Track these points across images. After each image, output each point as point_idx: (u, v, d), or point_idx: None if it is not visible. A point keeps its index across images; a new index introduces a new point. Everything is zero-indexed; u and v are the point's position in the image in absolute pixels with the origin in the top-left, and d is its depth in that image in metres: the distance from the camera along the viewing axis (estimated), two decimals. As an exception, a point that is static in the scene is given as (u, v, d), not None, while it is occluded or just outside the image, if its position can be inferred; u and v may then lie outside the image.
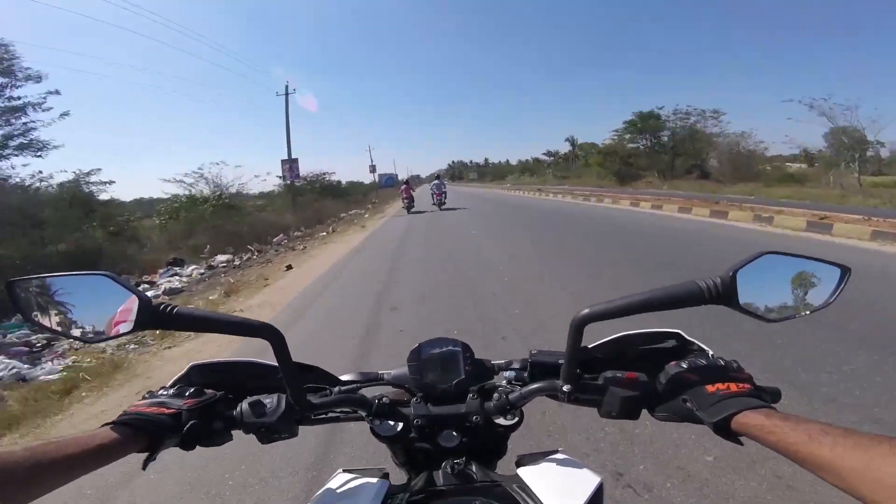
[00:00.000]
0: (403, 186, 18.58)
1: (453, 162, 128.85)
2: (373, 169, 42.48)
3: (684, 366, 0.52)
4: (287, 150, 21.80)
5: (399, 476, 0.64)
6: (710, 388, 0.48)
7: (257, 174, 25.53)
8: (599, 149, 38.78)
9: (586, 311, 0.50)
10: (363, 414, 0.60)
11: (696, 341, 0.58)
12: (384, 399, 0.60)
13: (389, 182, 46.61)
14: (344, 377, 0.67)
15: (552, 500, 0.48)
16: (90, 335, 0.52)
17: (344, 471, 0.59)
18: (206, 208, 17.03)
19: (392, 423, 0.62)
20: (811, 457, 0.38)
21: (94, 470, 0.45)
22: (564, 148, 63.70)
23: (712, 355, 0.54)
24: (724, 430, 0.45)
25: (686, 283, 0.49)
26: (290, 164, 21.78)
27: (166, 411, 0.52)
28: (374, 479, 0.56)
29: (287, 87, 22.30)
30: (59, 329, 0.51)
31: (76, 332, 0.51)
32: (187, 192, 18.22)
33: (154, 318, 0.49)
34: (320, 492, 0.55)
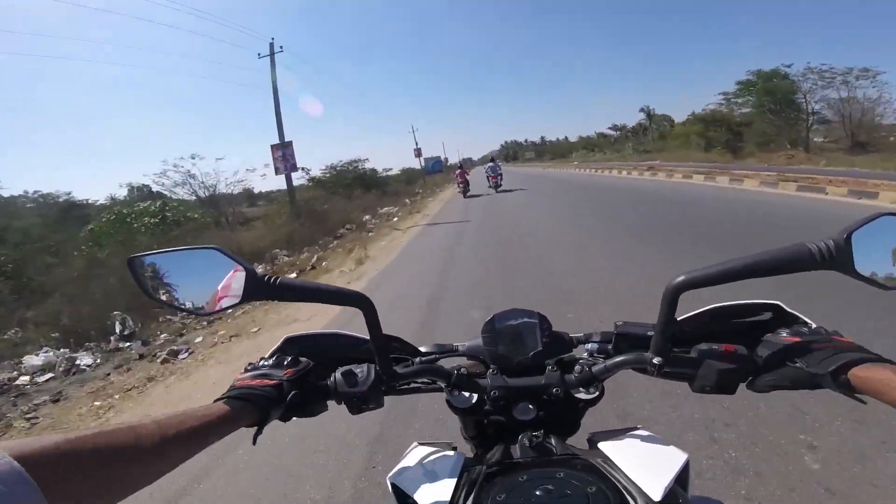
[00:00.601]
0: (458, 171, 18.48)
1: (506, 142, 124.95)
2: (418, 153, 35.02)
3: (785, 334, 0.49)
4: (278, 133, 14.40)
5: (466, 450, 0.64)
6: (817, 346, 0.45)
7: (252, 168, 19.26)
8: (700, 116, 31.68)
9: (682, 277, 0.48)
10: (442, 385, 0.61)
11: (798, 313, 0.54)
12: (462, 370, 0.61)
13: (437, 167, 39.71)
14: (422, 348, 0.68)
15: (639, 475, 0.47)
16: (201, 306, 0.55)
17: (419, 444, 0.60)
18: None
19: (467, 394, 0.62)
20: None
21: (211, 444, 0.47)
22: (632, 121, 59.99)
23: (815, 326, 0.51)
24: (842, 382, 0.42)
25: (794, 246, 0.45)
26: (283, 151, 14.29)
27: (269, 383, 0.54)
28: (451, 452, 0.57)
29: (272, 45, 14.75)
30: (173, 302, 0.55)
31: (188, 304, 0.55)
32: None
33: (261, 289, 0.51)
34: (400, 464, 0.56)
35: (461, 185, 17.39)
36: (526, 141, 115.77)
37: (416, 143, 37.49)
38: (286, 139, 14.41)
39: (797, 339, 0.48)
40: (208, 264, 0.53)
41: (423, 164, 37.53)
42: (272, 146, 14.37)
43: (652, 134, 49.00)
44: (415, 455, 0.57)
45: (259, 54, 14.91)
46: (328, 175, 23.69)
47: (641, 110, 54.83)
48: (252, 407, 0.51)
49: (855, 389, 0.41)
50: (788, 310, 0.55)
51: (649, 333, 0.54)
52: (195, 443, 0.44)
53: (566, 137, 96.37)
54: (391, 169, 35.73)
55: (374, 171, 27.00)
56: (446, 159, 72.29)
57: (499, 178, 17.50)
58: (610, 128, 66.76)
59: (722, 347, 0.51)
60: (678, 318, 0.57)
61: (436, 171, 39.20)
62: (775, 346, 0.49)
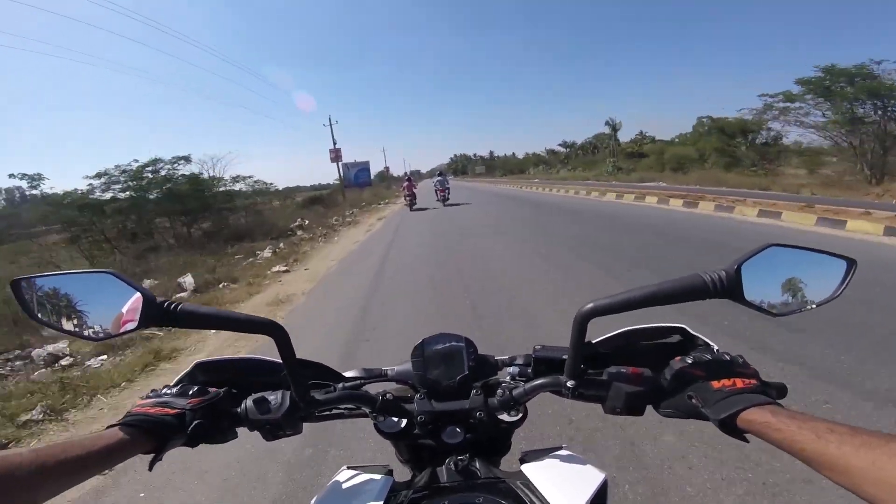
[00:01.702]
0: (406, 183, 18.35)
1: (456, 155, 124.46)
2: (336, 155, 25.06)
3: (689, 361, 0.51)
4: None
5: (403, 473, 0.64)
6: (715, 384, 0.48)
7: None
8: (724, 123, 24.40)
9: (590, 305, 0.50)
10: (367, 410, 0.60)
11: (702, 336, 0.58)
12: (388, 395, 0.60)
13: (363, 178, 30.20)
14: (347, 374, 0.67)
15: (556, 497, 0.48)
16: (97, 333, 0.52)
17: (348, 468, 0.59)
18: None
19: (396, 419, 0.62)
20: (817, 455, 0.37)
21: (101, 472, 0.46)
22: (581, 137, 59.69)
23: (717, 350, 0.54)
24: (730, 427, 0.45)
25: (691, 276, 0.48)
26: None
27: (170, 412, 0.52)
28: (378, 476, 0.56)
29: (330, 119, 25.65)
30: (64, 327, 0.51)
31: (83, 331, 0.51)
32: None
33: (159, 315, 0.49)
34: (326, 488, 0.55)
35: (408, 198, 17.24)
36: (475, 155, 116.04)
37: (334, 142, 25.32)
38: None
39: (697, 372, 0.50)
40: (106, 288, 0.50)
41: (342, 171, 27.19)
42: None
43: (615, 150, 44.66)
44: (342, 478, 0.56)
45: (322, 125, 14.36)
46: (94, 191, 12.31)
47: (607, 123, 49.09)
48: (147, 434, 0.50)
49: (740, 430, 0.45)
50: (693, 333, 0.58)
51: (564, 357, 0.56)
52: (78, 473, 0.43)
53: (514, 153, 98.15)
54: (274, 184, 20.60)
55: (201, 178, 14.61)
56: (387, 168, 62.85)
57: (446, 191, 17.75)
58: (560, 144, 66.27)
59: (630, 370, 0.53)
60: (595, 340, 0.59)
61: (361, 182, 29.33)
62: (677, 373, 0.51)
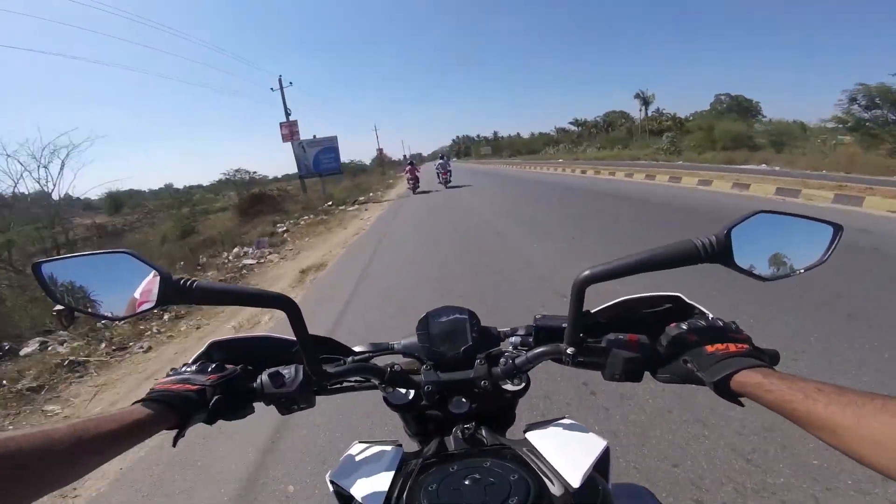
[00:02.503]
0: (408, 167, 18.37)
1: (458, 137, 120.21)
2: (289, 131, 18.57)
3: (684, 327, 0.53)
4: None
5: (411, 448, 0.65)
6: (709, 348, 0.49)
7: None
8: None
9: (587, 272, 0.51)
10: (376, 382, 0.62)
11: (696, 304, 0.59)
12: (396, 367, 0.62)
13: (327, 163, 19.90)
14: (356, 348, 0.69)
15: (560, 462, 0.50)
16: (114, 312, 0.53)
17: (360, 442, 0.60)
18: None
19: (404, 391, 0.64)
20: (807, 415, 0.38)
21: (130, 447, 0.46)
22: (588, 116, 55.67)
23: (712, 317, 0.55)
24: (724, 389, 0.46)
25: (682, 242, 0.49)
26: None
27: (192, 388, 0.54)
28: (389, 447, 0.58)
29: (281, 80, 18.85)
30: (84, 307, 0.53)
31: (101, 310, 0.53)
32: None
33: (175, 293, 0.50)
34: (340, 461, 0.57)
35: (411, 182, 17.38)
36: (478, 136, 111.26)
37: (287, 112, 18.26)
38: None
39: (692, 337, 0.51)
40: (122, 269, 0.52)
41: (296, 153, 18.67)
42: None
43: (638, 130, 41.17)
44: (354, 453, 0.58)
45: (271, 88, 14.93)
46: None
47: (637, 96, 43.70)
48: (171, 411, 0.51)
49: (734, 393, 0.46)
50: (688, 301, 0.60)
51: (564, 325, 0.57)
52: (111, 447, 0.44)
53: (518, 133, 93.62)
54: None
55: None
56: (381, 151, 53.06)
57: (448, 174, 17.96)
58: (571, 122, 62.94)
59: (627, 337, 0.54)
60: (593, 310, 0.61)
61: (325, 169, 19.19)
62: (674, 339, 0.53)
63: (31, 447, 0.38)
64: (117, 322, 4.18)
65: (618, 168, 16.58)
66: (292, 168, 20.12)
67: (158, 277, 0.50)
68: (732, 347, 0.49)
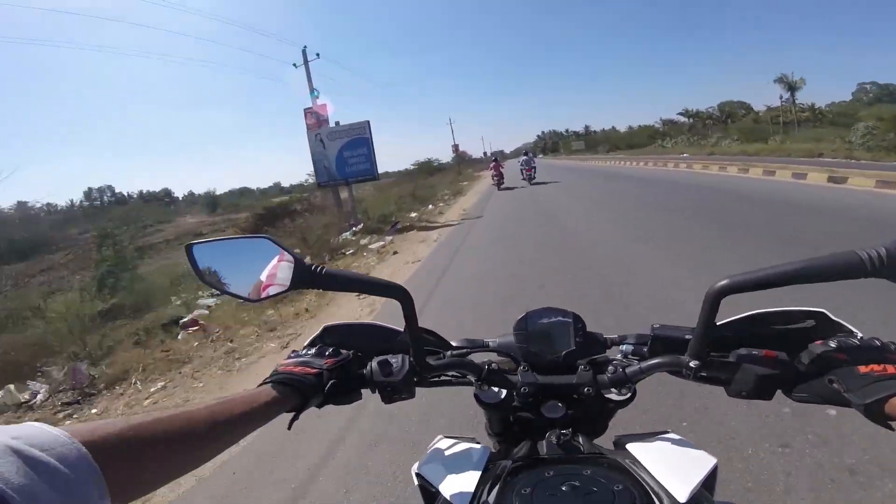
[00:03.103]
0: (493, 164, 19.13)
1: (543, 132, 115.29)
2: (316, 122, 12.01)
3: (833, 345, 0.47)
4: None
5: (490, 446, 0.64)
6: (862, 368, 0.44)
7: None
8: None
9: (724, 281, 0.47)
10: (472, 378, 0.62)
11: (845, 322, 0.53)
12: (493, 365, 0.61)
13: (357, 163, 11.90)
14: (453, 342, 0.69)
15: (666, 476, 0.47)
16: (250, 292, 0.58)
17: (445, 437, 0.61)
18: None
19: (497, 390, 0.63)
20: None
21: (258, 427, 0.48)
22: (701, 106, 51.51)
23: (864, 337, 0.49)
24: (876, 413, 0.42)
25: (845, 254, 0.44)
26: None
27: (310, 371, 0.56)
28: (477, 445, 0.57)
29: (305, 52, 12.83)
30: (223, 287, 0.58)
31: (236, 290, 0.58)
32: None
33: (309, 277, 0.54)
34: (427, 454, 0.58)
35: (496, 178, 17.93)
36: (567, 131, 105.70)
37: (312, 92, 13.00)
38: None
39: (841, 356, 0.46)
40: (258, 253, 0.56)
41: (315, 149, 12.26)
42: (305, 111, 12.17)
43: (787, 119, 34.60)
44: (440, 447, 0.59)
45: (294, 64, 12.65)
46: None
47: (779, 80, 36.16)
48: (294, 392, 0.53)
49: (887, 417, 0.42)
50: (834, 318, 0.53)
51: (686, 337, 0.54)
52: (242, 427, 0.46)
53: (613, 127, 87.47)
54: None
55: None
56: (456, 146, 47.12)
57: (532, 170, 18.16)
58: (681, 113, 57.37)
59: (762, 353, 0.50)
60: (717, 323, 0.55)
61: (352, 173, 12.19)
62: (819, 357, 0.48)
63: (175, 429, 0.40)
64: (251, 303, 4.81)
65: (797, 166, 10.75)
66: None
67: (291, 262, 0.54)
68: (891, 369, 0.43)
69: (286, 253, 0.55)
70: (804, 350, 0.50)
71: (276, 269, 0.55)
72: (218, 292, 0.62)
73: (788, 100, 38.11)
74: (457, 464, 0.54)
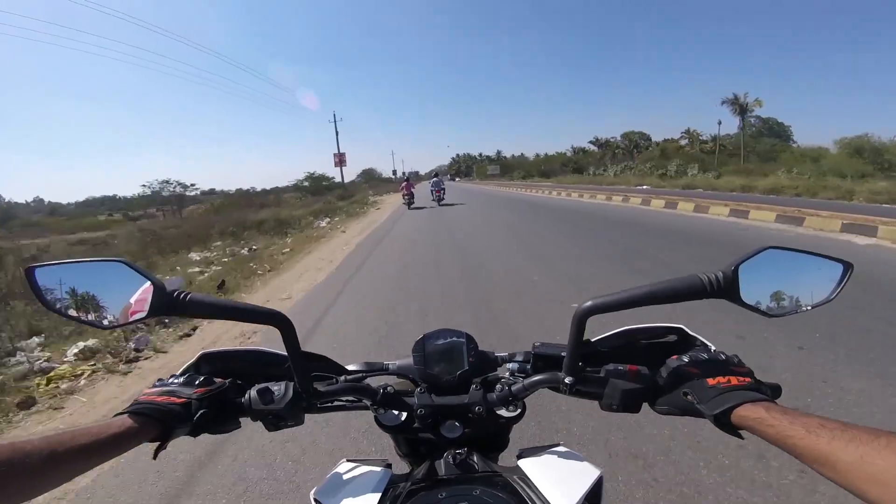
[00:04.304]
0: (404, 183, 19.90)
1: (458, 155, 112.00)
2: (339, 161, 25.48)
3: (686, 359, 0.52)
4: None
5: (402, 468, 0.64)
6: (710, 381, 0.49)
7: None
8: None
9: (589, 303, 0.51)
10: (368, 403, 0.61)
11: (699, 336, 0.59)
12: (389, 388, 0.61)
13: None
14: (350, 367, 0.68)
15: (552, 492, 0.49)
16: (106, 321, 0.52)
17: (347, 460, 0.59)
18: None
19: (396, 412, 0.63)
20: (808, 450, 0.38)
21: (109, 459, 0.46)
22: (596, 137, 51.65)
23: (714, 350, 0.55)
24: (725, 423, 0.46)
25: (688, 277, 0.49)
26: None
27: (177, 400, 0.53)
28: (378, 468, 0.57)
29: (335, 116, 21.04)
30: (73, 315, 0.52)
31: (91, 319, 0.52)
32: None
33: (168, 305, 0.50)
34: (326, 479, 0.56)
35: (406, 197, 18.78)
36: (480, 155, 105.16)
37: (338, 143, 21.57)
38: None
39: (692, 370, 0.51)
40: (116, 277, 0.51)
41: None
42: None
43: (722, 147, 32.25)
44: (341, 471, 0.57)
45: (328, 120, 9.89)
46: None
47: (727, 102, 32.18)
48: (154, 422, 0.50)
49: (734, 426, 0.45)
50: (691, 333, 0.60)
51: (562, 354, 0.57)
52: (88, 459, 0.44)
53: (522, 154, 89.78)
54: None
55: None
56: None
57: (441, 192, 19.36)
58: (591, 142, 58.78)
59: (627, 368, 0.54)
60: (593, 339, 0.60)
61: None
62: (674, 371, 0.52)
63: (1, 460, 0.37)
64: (105, 330, 4.13)
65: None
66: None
67: (152, 288, 0.50)
68: (734, 380, 0.48)
69: (143, 277, 0.50)
70: (664, 365, 0.54)
71: (146, 294, 0.50)
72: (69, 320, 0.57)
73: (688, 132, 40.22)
74: (356, 488, 0.53)
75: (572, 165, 52.27)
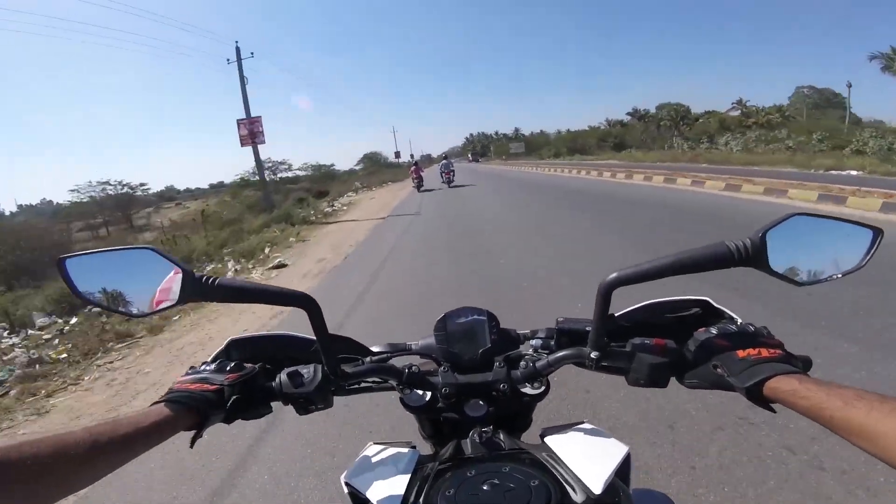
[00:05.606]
0: (413, 167, 20.49)
1: (472, 135, 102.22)
2: (250, 135, 15.34)
3: (714, 332, 0.51)
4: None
5: (426, 450, 0.64)
6: (740, 353, 0.48)
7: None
8: None
9: (614, 275, 0.50)
10: (394, 383, 0.62)
11: (725, 309, 0.58)
12: (413, 368, 0.62)
13: None
14: (374, 348, 0.68)
15: (581, 468, 0.49)
16: (136, 309, 0.53)
17: (374, 443, 0.60)
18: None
19: (420, 393, 0.63)
20: (845, 422, 0.37)
21: (149, 448, 0.46)
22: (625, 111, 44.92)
23: (742, 322, 0.54)
24: (757, 395, 0.45)
25: (715, 245, 0.48)
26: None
27: (210, 388, 0.54)
28: (405, 449, 0.57)
29: (238, 49, 15.15)
30: (106, 304, 0.53)
31: (122, 307, 0.53)
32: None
33: (198, 290, 0.50)
34: (355, 462, 0.57)
35: (416, 181, 19.42)
36: (497, 133, 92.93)
37: (246, 105, 15.54)
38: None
39: (722, 342, 0.50)
40: (144, 265, 0.52)
41: None
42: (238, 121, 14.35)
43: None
44: (369, 454, 0.58)
45: (227, 60, 14.38)
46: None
47: (877, 58, 23.54)
48: (190, 411, 0.51)
49: (766, 399, 0.45)
50: (716, 305, 0.58)
51: (587, 328, 0.56)
52: (129, 449, 0.44)
53: (542, 131, 79.72)
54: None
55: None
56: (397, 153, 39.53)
57: (451, 174, 19.73)
58: (629, 113, 51.04)
59: (653, 341, 0.53)
60: (617, 314, 0.59)
61: None
62: (703, 344, 0.51)
63: (46, 453, 0.38)
64: (137, 318, 4.26)
65: None
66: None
67: (180, 274, 0.50)
68: (765, 352, 0.47)
69: (173, 264, 0.51)
70: (691, 338, 0.53)
71: (172, 282, 0.51)
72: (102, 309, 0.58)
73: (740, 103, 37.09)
74: (385, 469, 0.54)
75: (612, 140, 44.43)
